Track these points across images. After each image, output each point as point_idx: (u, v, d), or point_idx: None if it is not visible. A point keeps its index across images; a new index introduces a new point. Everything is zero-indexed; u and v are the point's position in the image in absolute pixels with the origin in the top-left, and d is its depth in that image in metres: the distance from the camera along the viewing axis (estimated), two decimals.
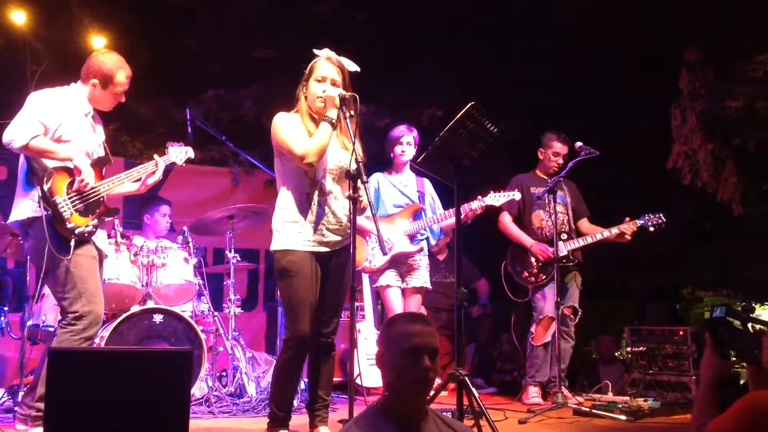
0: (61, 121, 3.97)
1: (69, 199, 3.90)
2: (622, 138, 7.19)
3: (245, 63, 7.70)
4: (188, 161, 7.45)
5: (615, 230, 5.67)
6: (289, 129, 3.82)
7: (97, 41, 7.42)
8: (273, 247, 3.87)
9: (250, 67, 7.70)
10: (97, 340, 5.07)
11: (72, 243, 3.87)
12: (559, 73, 7.34)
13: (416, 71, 7.56)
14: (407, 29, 7.48)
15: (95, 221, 4.01)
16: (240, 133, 6.97)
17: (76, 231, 3.89)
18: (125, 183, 4.23)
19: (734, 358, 3.00)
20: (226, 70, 7.79)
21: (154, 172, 4.31)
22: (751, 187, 7.04)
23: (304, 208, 3.82)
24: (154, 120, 8.10)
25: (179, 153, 4.49)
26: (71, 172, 3.93)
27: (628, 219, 5.65)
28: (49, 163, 3.91)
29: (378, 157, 5.49)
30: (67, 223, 3.86)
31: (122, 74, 4.17)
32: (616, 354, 7.61)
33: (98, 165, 4.13)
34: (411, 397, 2.49)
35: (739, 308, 2.96)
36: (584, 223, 5.97)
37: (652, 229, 5.62)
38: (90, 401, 2.66)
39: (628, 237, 5.66)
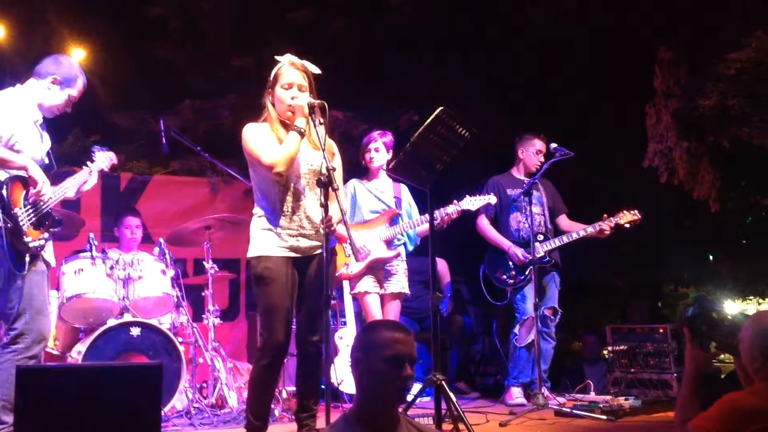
0: (14, 130, 3.85)
1: (25, 211, 3.79)
2: (597, 138, 7.22)
3: (222, 72, 7.70)
4: (167, 173, 7.52)
5: (591, 229, 5.68)
6: (257, 139, 3.82)
7: (76, 53, 7.41)
8: (249, 254, 3.88)
9: (226, 77, 7.70)
10: (75, 355, 5.09)
11: (27, 258, 3.76)
12: (534, 74, 7.38)
13: (393, 76, 7.58)
14: (383, 35, 7.49)
15: (46, 234, 3.91)
16: (217, 142, 6.96)
17: (30, 245, 3.78)
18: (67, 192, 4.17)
19: (715, 350, 3.04)
20: (202, 80, 7.79)
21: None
22: (728, 183, 7.09)
23: (277, 215, 3.83)
24: (133, 131, 8.09)
25: (104, 159, 4.36)
26: (25, 183, 3.82)
27: (605, 216, 5.67)
28: (1, 174, 3.78)
29: (356, 164, 5.49)
30: (24, 237, 3.74)
31: (81, 81, 4.13)
32: (604, 353, 7.63)
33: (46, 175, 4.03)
34: (388, 404, 2.49)
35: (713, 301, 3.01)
36: (563, 220, 5.99)
37: (627, 225, 5.64)
38: (61, 418, 2.64)
39: (607, 233, 5.68)
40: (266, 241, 3.82)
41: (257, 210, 3.91)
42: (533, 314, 5.60)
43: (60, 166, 4.32)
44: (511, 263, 5.80)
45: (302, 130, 3.77)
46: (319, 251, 3.89)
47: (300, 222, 3.84)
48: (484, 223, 5.92)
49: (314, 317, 3.88)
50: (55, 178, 4.12)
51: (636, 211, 5.61)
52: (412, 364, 2.47)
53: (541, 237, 5.70)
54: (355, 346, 2.60)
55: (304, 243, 3.85)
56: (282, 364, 3.92)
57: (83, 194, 4.38)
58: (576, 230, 5.76)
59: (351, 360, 2.58)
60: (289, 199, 3.84)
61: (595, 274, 8.38)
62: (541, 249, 5.63)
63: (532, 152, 5.94)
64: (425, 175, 4.12)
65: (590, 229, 5.68)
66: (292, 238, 3.83)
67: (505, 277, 5.82)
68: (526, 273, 5.68)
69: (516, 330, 5.80)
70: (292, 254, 3.83)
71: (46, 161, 4.12)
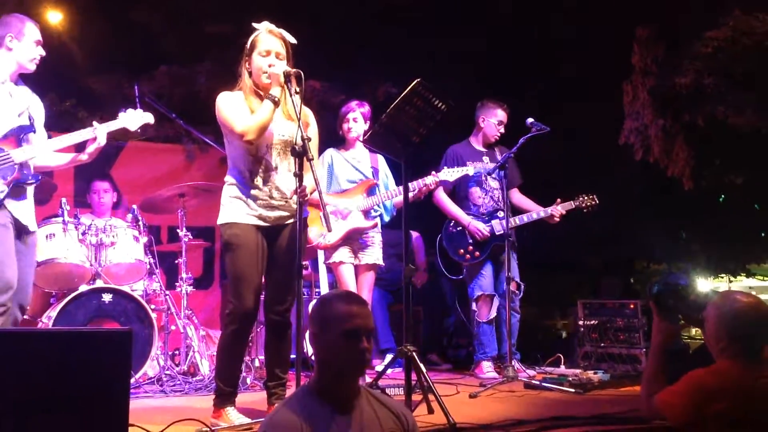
0: None
1: None
2: (573, 114, 7.23)
3: (198, 38, 7.61)
4: (142, 139, 7.43)
5: (542, 212, 5.73)
6: (230, 107, 3.81)
7: (53, 16, 7.30)
8: (219, 221, 3.89)
9: (203, 43, 7.62)
10: (45, 320, 5.07)
11: None
12: (511, 48, 7.35)
13: (371, 47, 7.53)
14: (361, 5, 7.43)
15: (5, 188, 3.92)
16: (193, 109, 6.89)
17: None
18: (56, 154, 4.15)
19: (683, 323, 3.09)
20: (179, 45, 7.70)
21: (94, 140, 4.16)
22: (702, 162, 7.14)
23: (247, 184, 3.83)
24: (109, 95, 7.99)
25: (134, 117, 4.29)
26: None
27: (559, 200, 5.72)
28: None
29: (333, 133, 5.46)
30: None
31: (30, 23, 4.14)
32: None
33: (16, 134, 4.03)
34: (346, 377, 2.47)
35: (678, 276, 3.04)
36: (515, 194, 5.96)
37: (585, 210, 5.69)
38: (27, 382, 2.61)
39: (556, 219, 5.72)
40: (235, 208, 3.83)
41: (228, 178, 3.91)
42: (488, 292, 5.70)
43: None
44: (470, 239, 5.80)
45: (276, 99, 3.76)
46: (289, 221, 3.90)
47: (269, 192, 3.84)
48: (441, 195, 5.85)
49: (282, 287, 3.89)
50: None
51: (594, 196, 5.68)
52: (368, 337, 2.45)
53: (501, 213, 5.72)
54: (311, 320, 2.56)
55: (273, 213, 3.86)
56: (250, 330, 3.93)
57: None
58: (528, 208, 5.80)
59: (308, 334, 2.56)
60: (259, 168, 3.83)
61: (569, 250, 8.44)
62: (501, 226, 5.65)
63: (494, 122, 5.89)
64: (400, 147, 4.11)
65: (542, 213, 5.73)
66: (261, 207, 3.83)
67: (462, 251, 5.80)
68: (485, 249, 5.70)
69: (474, 307, 5.83)
70: (261, 223, 3.83)
71: (24, 122, 4.09)
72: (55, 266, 5.17)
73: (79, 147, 4.29)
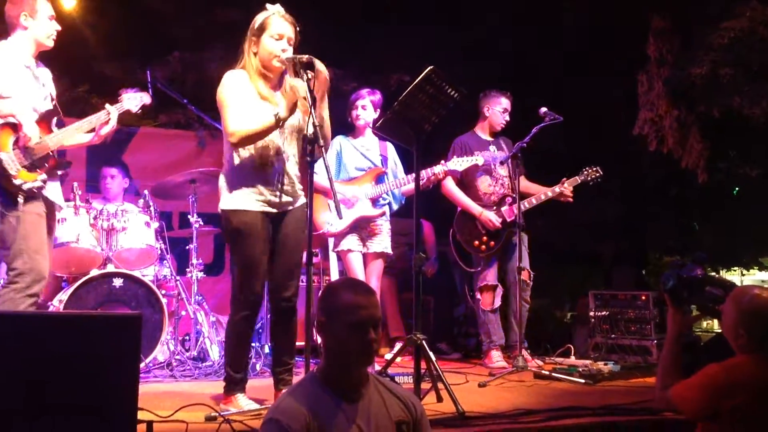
0: (1, 77, 3.91)
1: (14, 154, 3.85)
2: (588, 104, 7.18)
3: (211, 25, 7.60)
4: (154, 125, 7.45)
5: (550, 192, 5.69)
6: (233, 96, 3.73)
7: (67, 2, 7.29)
8: (222, 206, 3.81)
9: (215, 29, 7.60)
10: (56, 304, 5.09)
11: (20, 199, 3.85)
12: (527, 40, 7.31)
13: (384, 36, 7.50)
14: None
15: (44, 176, 3.95)
16: (205, 95, 6.86)
17: (24, 187, 3.85)
18: (76, 135, 4.18)
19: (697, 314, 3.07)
20: (191, 31, 7.69)
21: (107, 122, 4.21)
22: (717, 153, 7.08)
23: (256, 169, 3.77)
24: (122, 81, 7.97)
25: (134, 99, 4.39)
26: (16, 129, 3.88)
27: (564, 179, 5.68)
28: None
29: (344, 121, 5.44)
30: (13, 180, 3.82)
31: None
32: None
33: (46, 119, 4.05)
34: (353, 367, 2.44)
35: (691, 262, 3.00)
36: (522, 181, 5.86)
37: (591, 183, 5.67)
38: (36, 365, 2.61)
39: (568, 196, 5.69)
40: (243, 194, 3.77)
41: (232, 161, 3.81)
42: (492, 282, 5.69)
43: None
44: (483, 229, 5.76)
45: (282, 119, 3.67)
46: (295, 207, 3.87)
47: (278, 177, 3.80)
48: (450, 185, 5.79)
49: (288, 273, 3.88)
50: (62, 124, 4.16)
51: (598, 168, 5.65)
52: (375, 328, 2.40)
53: (509, 200, 5.70)
54: (318, 309, 2.51)
55: (281, 198, 3.82)
56: (257, 316, 3.93)
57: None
58: (536, 192, 5.75)
59: (315, 323, 2.53)
60: (268, 153, 3.78)
61: (581, 241, 8.41)
62: (510, 211, 5.62)
63: (498, 110, 5.86)
64: (412, 135, 4.09)
65: (549, 193, 5.69)
66: (269, 193, 3.79)
67: (477, 243, 5.75)
68: (498, 239, 5.68)
69: (478, 296, 5.80)
70: (269, 209, 3.79)
71: (49, 106, 4.12)
72: (67, 250, 5.20)
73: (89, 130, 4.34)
